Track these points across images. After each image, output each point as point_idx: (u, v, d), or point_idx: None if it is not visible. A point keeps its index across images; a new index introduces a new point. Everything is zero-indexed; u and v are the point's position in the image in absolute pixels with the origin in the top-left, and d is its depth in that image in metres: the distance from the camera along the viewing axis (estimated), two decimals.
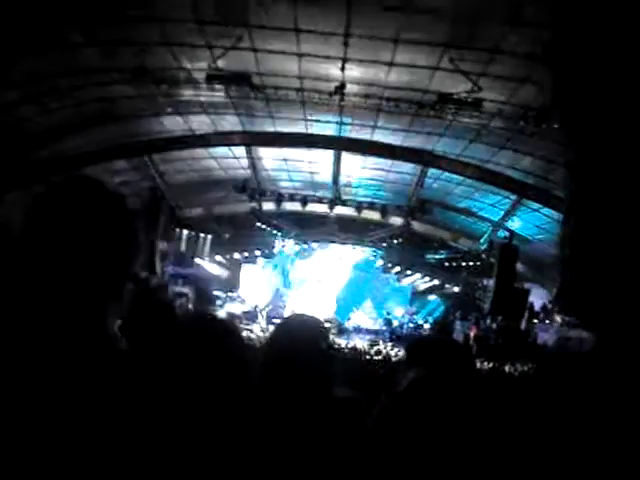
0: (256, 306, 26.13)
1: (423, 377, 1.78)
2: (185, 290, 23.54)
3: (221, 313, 24.55)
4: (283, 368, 2.28)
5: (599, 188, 0.62)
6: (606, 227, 0.60)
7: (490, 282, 20.00)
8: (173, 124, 18.06)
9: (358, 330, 26.02)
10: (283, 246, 27.80)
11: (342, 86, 14.40)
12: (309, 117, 17.36)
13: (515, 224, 21.92)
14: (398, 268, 28.04)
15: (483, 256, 23.51)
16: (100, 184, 1.49)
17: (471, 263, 24.87)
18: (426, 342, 3.06)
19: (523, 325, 20.65)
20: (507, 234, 20.57)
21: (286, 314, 26.15)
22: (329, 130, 18.27)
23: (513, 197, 20.14)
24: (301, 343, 2.33)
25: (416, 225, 24.98)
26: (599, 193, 0.62)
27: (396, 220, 25.09)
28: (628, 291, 0.60)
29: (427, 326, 26.87)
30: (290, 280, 28.45)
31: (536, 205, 19.52)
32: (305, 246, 28.04)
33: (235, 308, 25.45)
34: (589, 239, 0.62)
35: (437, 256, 26.72)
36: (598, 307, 0.64)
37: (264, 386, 2.23)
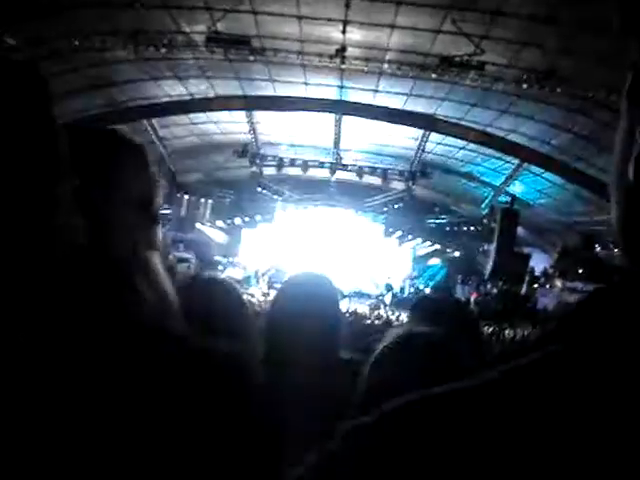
0: (257, 271, 26.18)
1: (408, 333, 1.72)
2: (187, 255, 23.58)
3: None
4: (290, 326, 2.19)
5: None
6: None
7: (491, 247, 20.02)
8: (172, 88, 17.92)
9: (360, 294, 26.11)
10: (284, 211, 27.76)
11: (343, 49, 14.25)
12: (309, 81, 17.22)
13: (516, 189, 21.86)
14: (399, 233, 28.02)
15: (484, 221, 23.47)
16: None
17: (472, 228, 24.83)
18: (431, 301, 2.98)
19: (524, 290, 20.71)
20: (508, 199, 20.54)
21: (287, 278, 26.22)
22: (330, 94, 18.12)
23: (515, 162, 20.05)
24: (310, 300, 2.25)
25: (417, 190, 24.91)
26: None
27: (397, 185, 25.01)
28: None
29: (428, 290, 26.95)
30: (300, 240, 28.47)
31: (538, 170, 19.44)
32: (306, 211, 28.01)
33: (236, 273, 25.51)
34: None
35: (438, 221, 26.69)
36: None
37: (271, 345, 2.17)
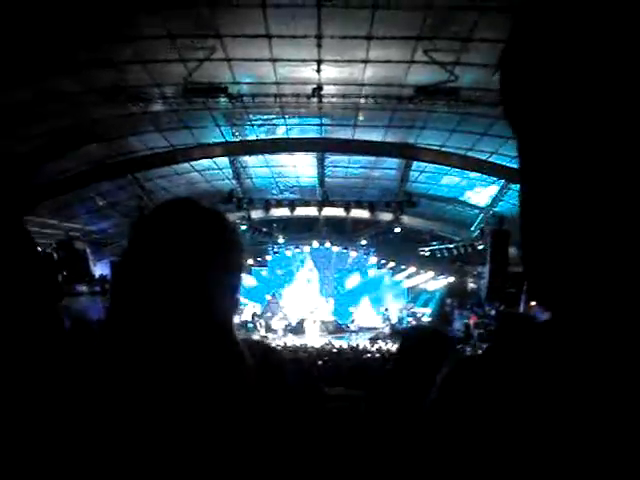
0: (254, 314, 26.10)
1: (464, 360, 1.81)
2: None
3: None
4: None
5: (549, 154, 0.59)
6: (554, 196, 0.57)
7: (484, 269, 19.99)
8: (154, 141, 17.98)
9: (359, 329, 26.07)
10: (276, 252, 27.80)
11: (319, 88, 14.39)
12: (289, 122, 17.35)
13: (504, 208, 21.90)
14: (392, 263, 28.03)
15: (475, 244, 23.49)
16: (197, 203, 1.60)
17: (463, 251, 24.82)
18: (417, 334, 3.30)
19: (521, 308, 20.65)
20: (497, 219, 20.54)
21: (278, 321, 26.13)
22: (310, 133, 18.25)
23: (500, 182, 20.15)
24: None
25: (406, 219, 24.93)
26: (548, 160, 0.59)
27: (385, 216, 25.05)
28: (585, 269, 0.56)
29: (425, 319, 26.85)
30: (294, 280, 28.67)
31: None
32: (297, 250, 28.06)
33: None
34: (538, 211, 0.59)
35: (428, 248, 26.67)
36: (555, 288, 0.60)
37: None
